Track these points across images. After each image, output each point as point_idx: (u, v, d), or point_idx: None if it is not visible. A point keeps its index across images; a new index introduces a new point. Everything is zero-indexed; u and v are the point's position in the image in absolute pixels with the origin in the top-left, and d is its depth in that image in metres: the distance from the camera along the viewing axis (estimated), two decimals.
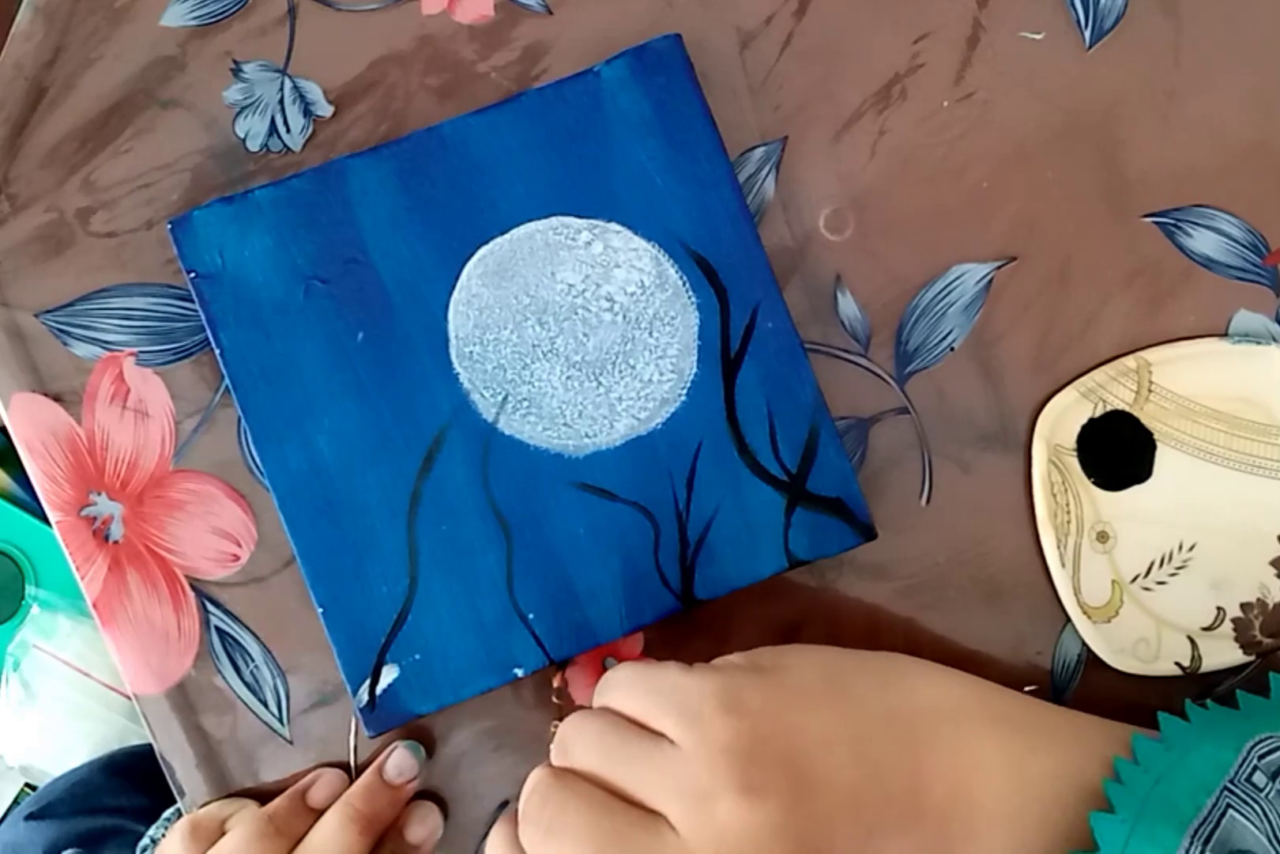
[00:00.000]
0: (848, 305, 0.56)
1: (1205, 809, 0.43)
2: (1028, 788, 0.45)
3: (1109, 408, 0.56)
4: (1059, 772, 0.45)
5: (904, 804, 0.43)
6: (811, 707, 0.44)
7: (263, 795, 0.55)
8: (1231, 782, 0.44)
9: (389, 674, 0.53)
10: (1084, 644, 0.56)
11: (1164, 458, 0.56)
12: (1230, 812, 0.43)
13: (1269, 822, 0.43)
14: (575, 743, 0.45)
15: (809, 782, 0.42)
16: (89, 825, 0.86)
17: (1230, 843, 0.42)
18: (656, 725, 0.44)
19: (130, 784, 0.92)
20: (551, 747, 0.47)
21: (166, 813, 0.63)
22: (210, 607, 0.56)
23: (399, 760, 0.55)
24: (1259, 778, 0.44)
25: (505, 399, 0.54)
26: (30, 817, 0.88)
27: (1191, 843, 0.41)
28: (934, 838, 0.43)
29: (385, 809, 0.54)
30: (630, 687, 0.46)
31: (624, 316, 0.54)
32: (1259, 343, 0.56)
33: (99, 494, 0.56)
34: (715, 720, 0.42)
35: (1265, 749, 0.45)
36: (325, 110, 0.56)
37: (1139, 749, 0.45)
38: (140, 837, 0.69)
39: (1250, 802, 0.43)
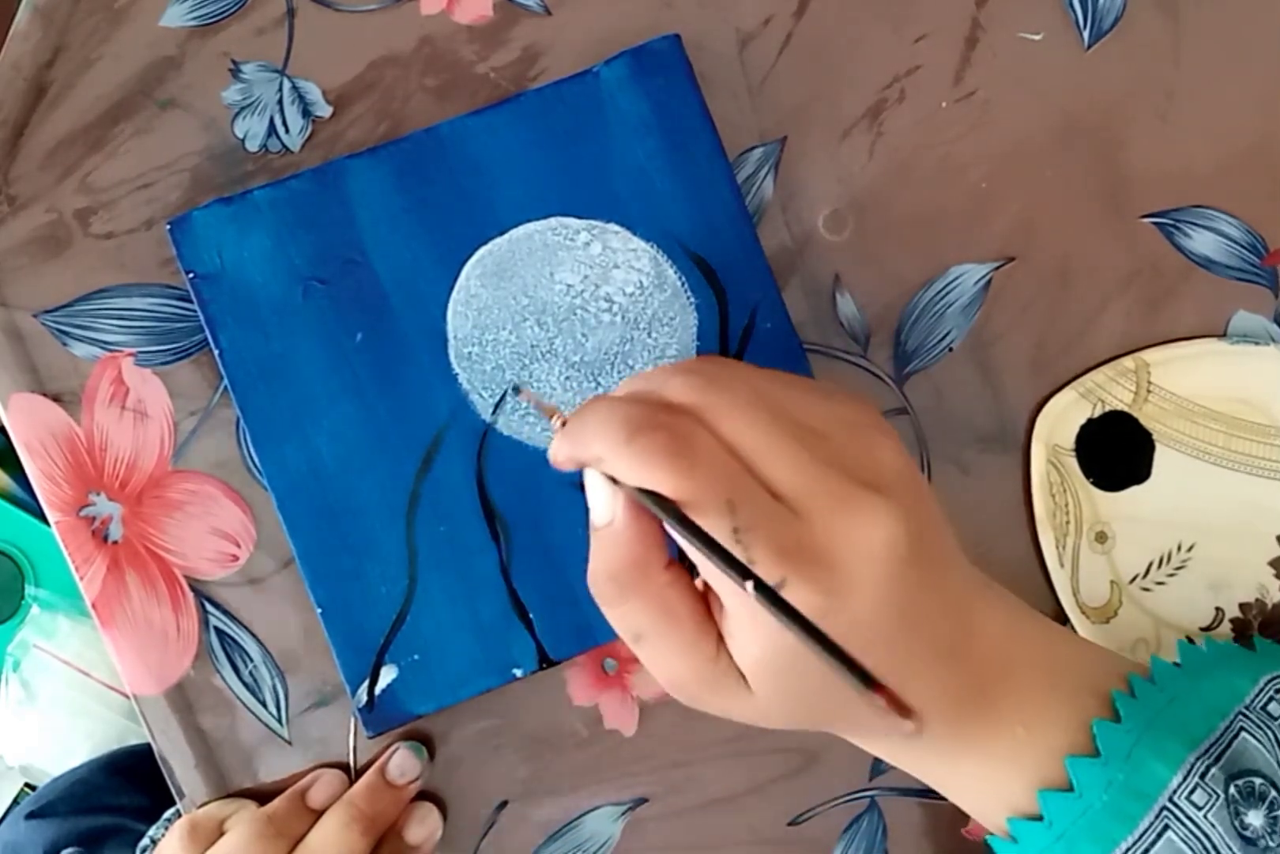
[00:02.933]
0: (846, 306, 0.56)
1: (1218, 730, 0.43)
2: (1056, 673, 0.45)
3: (1108, 408, 0.56)
4: (1083, 670, 0.45)
5: (956, 636, 0.43)
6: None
7: (262, 796, 0.55)
8: (1246, 707, 0.44)
9: (388, 675, 0.54)
10: None
11: (1163, 458, 0.56)
12: (1243, 734, 0.43)
13: (1279, 748, 0.43)
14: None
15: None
16: (89, 824, 0.86)
17: (1240, 763, 0.42)
18: None
19: (130, 784, 0.92)
20: None
21: (167, 813, 0.63)
22: (209, 607, 0.56)
23: (401, 761, 0.55)
24: (1274, 707, 0.44)
25: (503, 399, 0.54)
26: (30, 815, 0.88)
27: (1199, 759, 0.42)
28: (973, 675, 0.43)
29: (387, 810, 0.54)
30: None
31: (623, 317, 0.54)
32: (1257, 343, 0.56)
33: (98, 494, 0.56)
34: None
35: None
36: (324, 111, 0.56)
37: (1156, 669, 0.45)
38: (140, 836, 0.69)
39: (1263, 727, 0.43)
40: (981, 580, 0.46)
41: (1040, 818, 0.42)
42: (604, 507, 0.41)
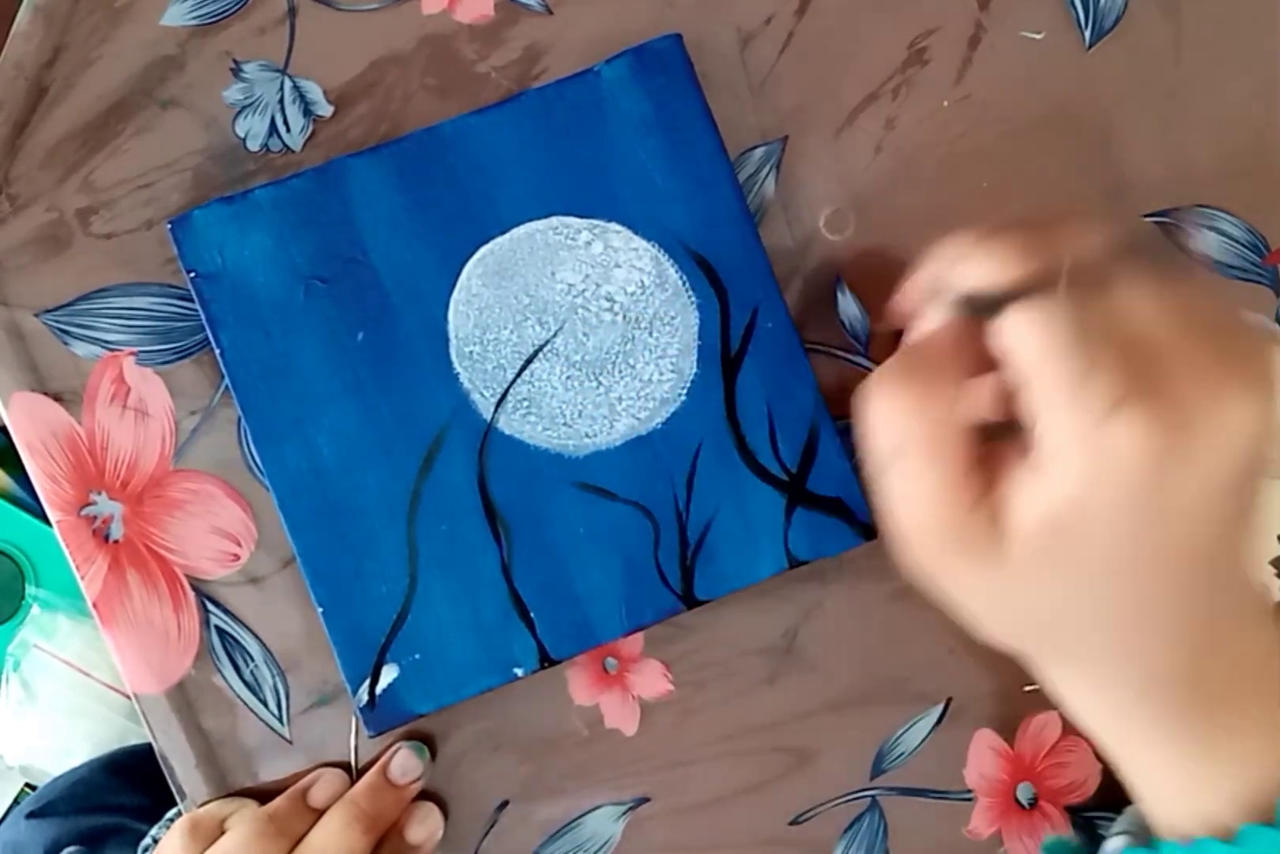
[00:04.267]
0: (848, 305, 0.56)
1: None
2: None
3: None
4: None
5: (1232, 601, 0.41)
6: None
7: (263, 795, 0.55)
8: None
9: (389, 674, 0.53)
10: None
11: None
12: None
13: None
14: None
15: None
16: (90, 824, 0.86)
17: None
18: None
19: (130, 783, 0.92)
20: None
21: (170, 813, 0.63)
22: (210, 606, 0.56)
23: (403, 760, 0.55)
24: None
25: (505, 399, 0.54)
26: (31, 815, 0.88)
27: None
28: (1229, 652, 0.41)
29: (389, 809, 0.54)
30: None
31: (624, 316, 0.54)
32: None
33: (99, 494, 0.56)
34: None
35: None
36: (325, 110, 0.56)
37: None
38: (141, 836, 0.69)
39: None
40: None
41: (1233, 843, 0.40)
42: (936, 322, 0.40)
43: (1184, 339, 0.37)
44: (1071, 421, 0.36)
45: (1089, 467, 0.36)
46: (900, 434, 0.38)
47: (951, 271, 0.39)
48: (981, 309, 0.38)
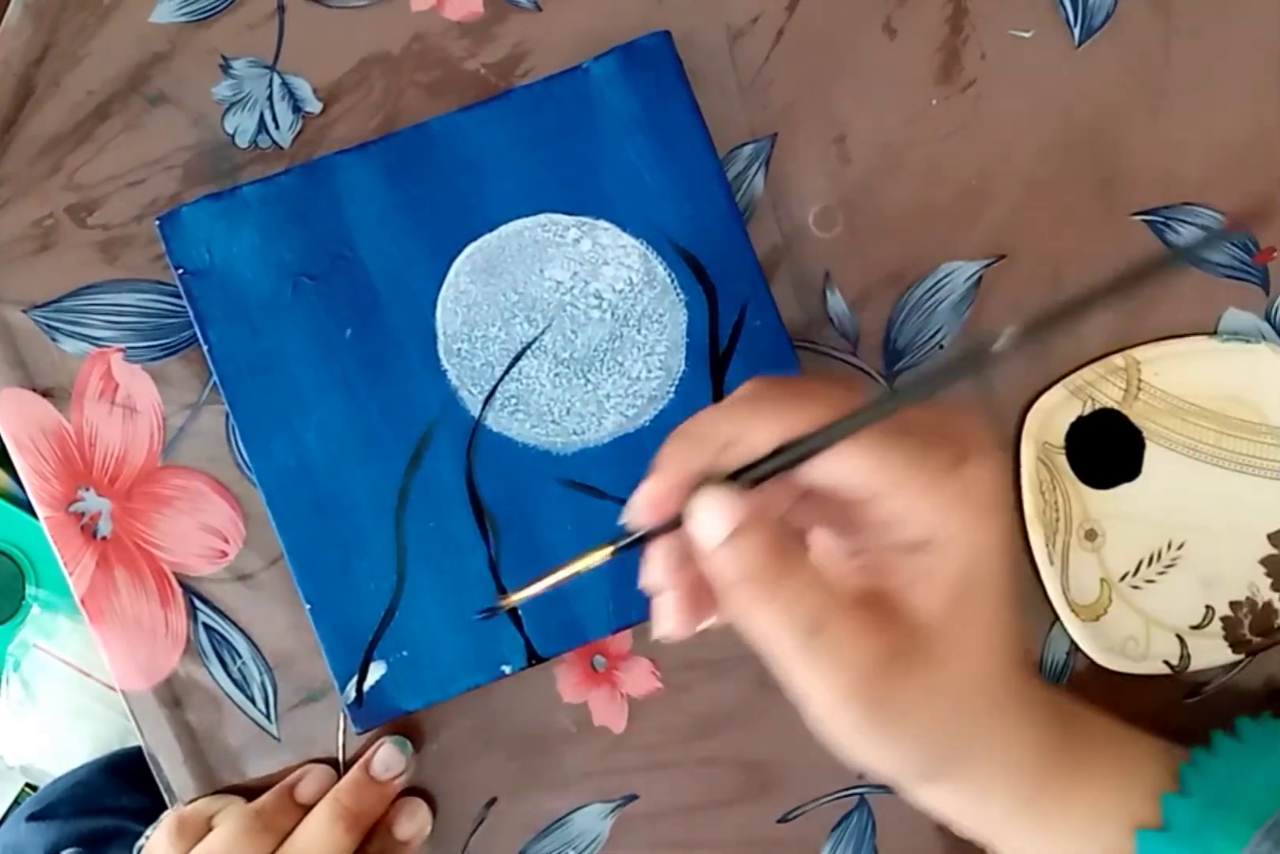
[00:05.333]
0: (837, 303, 0.56)
1: None
2: (1121, 740, 0.45)
3: (1098, 406, 0.56)
4: (1144, 740, 0.46)
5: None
6: None
7: (250, 792, 0.55)
8: None
9: (376, 671, 0.53)
10: (1072, 642, 0.56)
11: (1153, 456, 0.56)
12: None
13: None
14: None
15: None
16: (90, 826, 0.86)
17: None
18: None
19: (131, 784, 0.92)
20: None
21: (165, 813, 0.63)
22: (198, 603, 0.56)
23: (385, 756, 0.55)
24: None
25: (493, 396, 0.54)
26: (31, 817, 0.88)
27: (1263, 839, 0.41)
28: (1055, 719, 0.43)
29: (372, 805, 0.54)
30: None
31: (612, 314, 0.54)
32: (1248, 341, 0.56)
33: (87, 490, 0.56)
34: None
35: None
36: (314, 107, 0.56)
37: (1217, 744, 0.45)
38: (141, 837, 0.69)
39: None
40: None
41: None
42: (726, 512, 0.38)
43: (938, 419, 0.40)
44: (931, 485, 0.38)
45: (970, 516, 0.38)
46: (803, 614, 0.38)
47: (726, 455, 0.39)
48: (769, 473, 0.38)
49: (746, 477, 0.38)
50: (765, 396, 0.39)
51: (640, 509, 0.40)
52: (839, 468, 0.38)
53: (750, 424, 0.38)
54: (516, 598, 0.45)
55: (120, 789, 0.92)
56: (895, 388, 0.35)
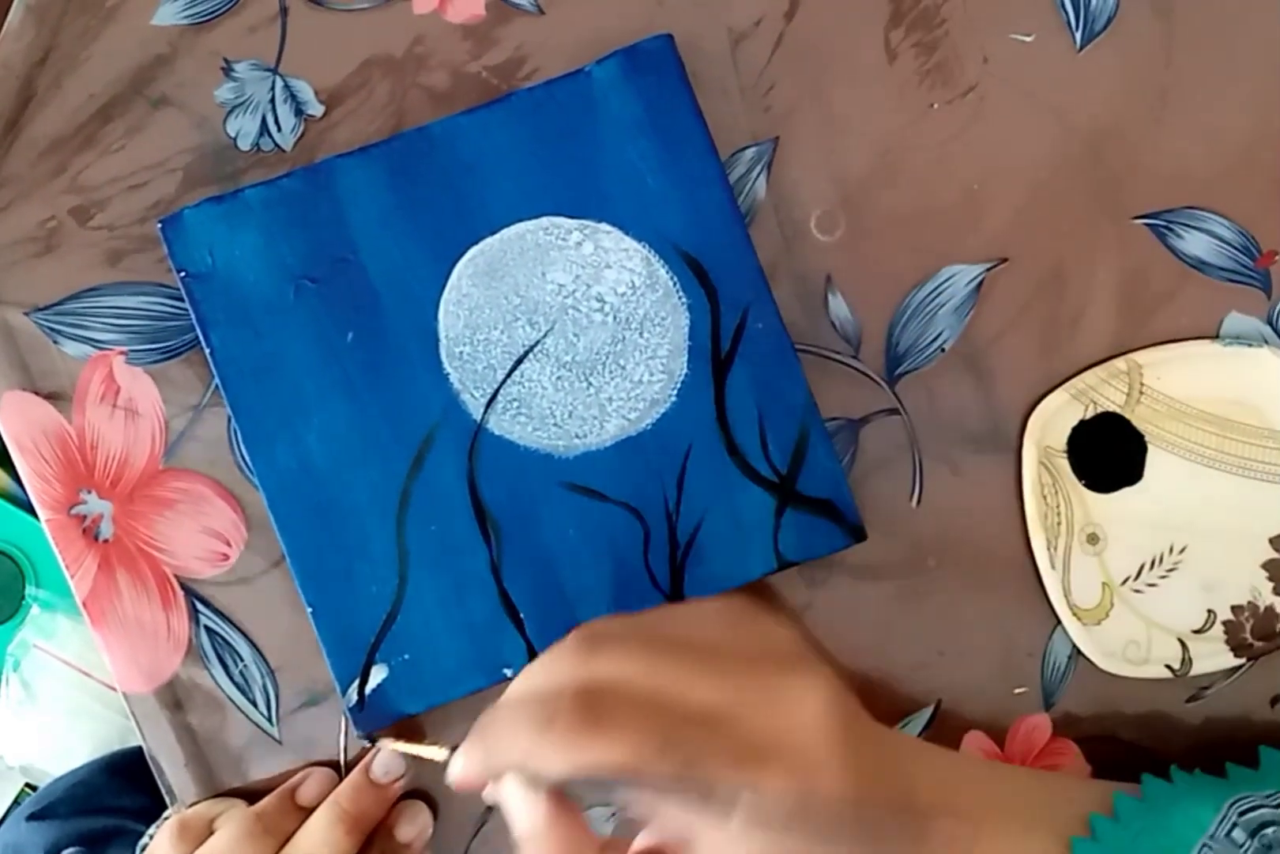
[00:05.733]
0: (838, 306, 0.56)
1: None
2: (1011, 816, 0.44)
3: (1100, 410, 0.56)
4: (1040, 810, 0.45)
5: (905, 786, 0.42)
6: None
7: (252, 795, 0.55)
8: (1211, 837, 0.44)
9: (378, 674, 0.53)
10: (1074, 646, 0.56)
11: (1155, 460, 0.56)
12: None
13: None
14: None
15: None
16: (90, 826, 0.86)
17: None
18: None
19: (131, 784, 0.92)
20: None
21: (167, 812, 0.63)
22: (199, 606, 0.56)
23: (386, 760, 0.55)
24: (1238, 834, 0.44)
25: (495, 399, 0.54)
26: (32, 817, 0.88)
27: None
28: (933, 828, 0.43)
29: (373, 808, 0.54)
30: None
31: (614, 317, 0.54)
32: (1250, 345, 0.56)
33: (89, 492, 0.56)
34: None
35: (1245, 806, 0.45)
36: (316, 109, 0.56)
37: (1119, 806, 0.45)
38: (142, 836, 0.69)
39: None
40: (898, 735, 0.48)
41: None
42: (525, 816, 0.41)
43: (721, 683, 0.40)
44: (717, 827, 0.39)
45: (760, 849, 0.39)
46: None
47: (525, 763, 0.40)
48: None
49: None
50: (565, 720, 0.39)
51: (456, 781, 0.42)
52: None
53: (543, 752, 0.39)
54: (391, 746, 0.51)
55: (120, 789, 0.92)
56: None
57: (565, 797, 0.41)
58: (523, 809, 0.41)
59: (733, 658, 0.41)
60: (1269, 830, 0.44)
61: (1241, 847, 0.43)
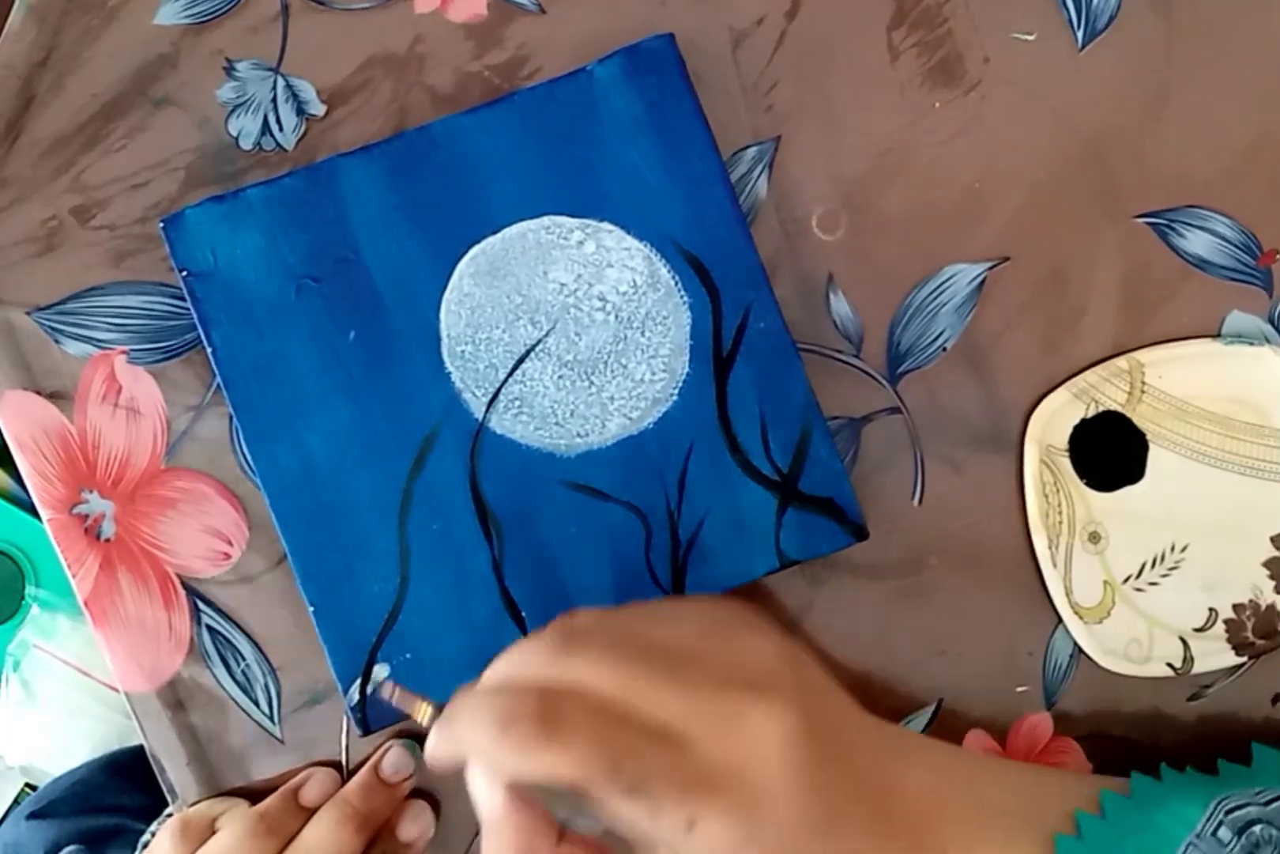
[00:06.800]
0: (840, 305, 0.56)
1: None
2: (995, 815, 0.45)
3: (1101, 408, 0.56)
4: (1026, 809, 0.46)
5: (878, 799, 0.42)
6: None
7: (254, 794, 0.55)
8: (1197, 836, 0.44)
9: (380, 673, 0.53)
10: (1076, 645, 0.56)
11: (1156, 459, 0.56)
12: None
13: None
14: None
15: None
16: (90, 825, 0.86)
17: None
18: None
19: (131, 783, 0.92)
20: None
21: (168, 810, 0.63)
22: (201, 605, 0.56)
23: (395, 759, 0.55)
24: (1224, 833, 0.44)
25: (496, 398, 0.54)
26: (32, 816, 0.88)
27: None
28: (906, 833, 0.43)
29: (381, 807, 0.54)
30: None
31: (616, 316, 0.54)
32: (1252, 344, 0.56)
33: (90, 492, 0.56)
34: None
35: (1232, 804, 0.45)
36: (318, 109, 0.56)
37: (1106, 804, 0.45)
38: (142, 835, 0.69)
39: None
40: (893, 732, 0.47)
41: None
42: (485, 803, 0.41)
43: (682, 702, 0.40)
44: (667, 844, 0.39)
45: None
46: None
47: (480, 761, 0.41)
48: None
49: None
50: (522, 726, 0.39)
51: (427, 760, 0.43)
52: None
53: (494, 752, 0.39)
54: (390, 691, 0.49)
55: (121, 788, 0.92)
56: None
57: (525, 789, 0.41)
58: (483, 798, 0.41)
59: (703, 672, 0.41)
60: (1255, 828, 0.44)
61: (1227, 845, 0.44)
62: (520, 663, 0.42)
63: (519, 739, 0.38)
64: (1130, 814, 0.45)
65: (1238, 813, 0.45)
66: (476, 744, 0.40)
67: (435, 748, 0.42)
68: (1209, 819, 0.45)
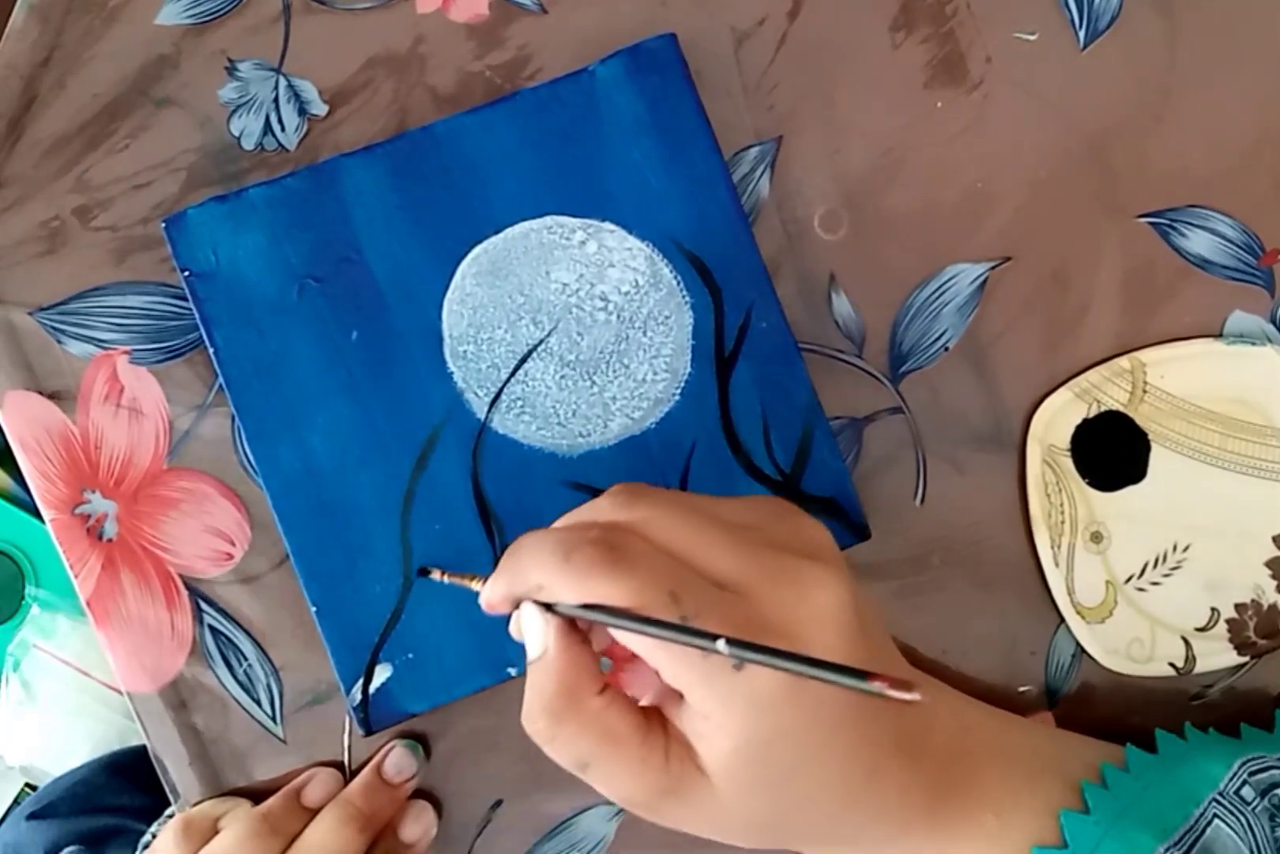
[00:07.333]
0: (842, 305, 0.56)
1: (1191, 819, 0.43)
2: (1021, 761, 0.45)
3: (1103, 408, 0.56)
4: (1050, 758, 0.46)
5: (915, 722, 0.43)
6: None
7: (256, 795, 0.55)
8: (1220, 793, 0.44)
9: (382, 673, 0.54)
10: (1078, 644, 0.56)
11: (1158, 458, 0.56)
12: (1216, 821, 0.43)
13: (1253, 834, 0.43)
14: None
15: None
16: (90, 825, 0.86)
17: (1212, 852, 0.42)
18: None
19: (131, 783, 0.92)
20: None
21: (169, 810, 0.63)
22: (204, 605, 0.56)
23: (398, 759, 0.55)
24: (1247, 792, 0.44)
25: (499, 398, 0.54)
26: (32, 816, 0.88)
27: (1169, 850, 0.42)
28: (937, 763, 0.43)
29: (383, 808, 0.54)
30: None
31: (618, 316, 0.54)
32: (1254, 344, 0.56)
33: (93, 492, 0.56)
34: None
35: (1256, 767, 0.45)
36: (320, 109, 0.56)
37: (1130, 758, 0.45)
38: (143, 836, 0.69)
39: (1236, 813, 0.43)
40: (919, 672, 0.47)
41: None
42: (538, 638, 0.41)
43: (744, 555, 0.40)
44: (709, 695, 0.39)
45: (741, 721, 0.38)
46: (575, 754, 0.40)
47: (540, 592, 0.41)
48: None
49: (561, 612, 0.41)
50: (584, 552, 0.39)
51: (483, 602, 0.43)
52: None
53: (559, 580, 0.39)
54: (446, 580, 0.51)
55: (121, 788, 0.92)
56: (729, 644, 0.35)
57: (578, 627, 0.41)
58: (535, 633, 0.41)
59: (763, 536, 0.41)
60: (1279, 791, 0.44)
61: (1250, 804, 0.44)
62: (585, 511, 0.43)
63: (582, 564, 0.39)
64: (1154, 768, 0.45)
65: (1262, 775, 0.45)
66: (536, 574, 0.40)
67: (491, 590, 0.42)
68: (1233, 778, 0.45)
